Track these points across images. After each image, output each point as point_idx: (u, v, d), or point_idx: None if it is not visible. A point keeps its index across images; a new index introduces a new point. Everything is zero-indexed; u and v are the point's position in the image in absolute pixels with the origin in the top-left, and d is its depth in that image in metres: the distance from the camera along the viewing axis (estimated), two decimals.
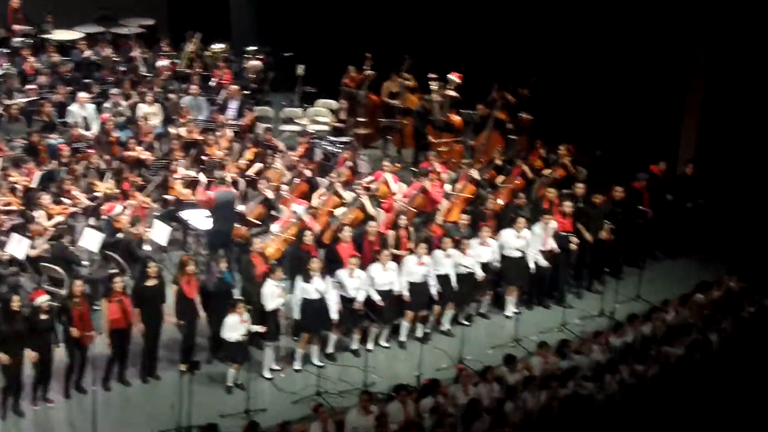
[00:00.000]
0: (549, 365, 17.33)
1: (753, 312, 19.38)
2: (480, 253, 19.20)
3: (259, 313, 17.29)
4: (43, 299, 16.16)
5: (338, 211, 20.40)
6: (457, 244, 18.96)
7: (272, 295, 17.33)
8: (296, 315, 17.65)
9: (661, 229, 22.07)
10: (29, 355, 16.03)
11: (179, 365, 17.01)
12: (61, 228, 19.06)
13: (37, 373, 16.38)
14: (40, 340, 16.07)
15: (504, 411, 16.11)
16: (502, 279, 19.82)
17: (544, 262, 19.76)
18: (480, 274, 19.05)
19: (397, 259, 18.68)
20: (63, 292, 17.23)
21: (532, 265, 19.69)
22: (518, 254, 19.55)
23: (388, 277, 18.24)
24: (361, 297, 18.03)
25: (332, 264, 18.49)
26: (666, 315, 18.96)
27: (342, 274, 17.96)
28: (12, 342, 15.91)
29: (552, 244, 19.88)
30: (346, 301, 17.92)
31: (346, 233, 18.78)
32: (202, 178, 20.99)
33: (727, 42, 23.59)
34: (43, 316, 16.10)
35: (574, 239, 20.09)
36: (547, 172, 22.36)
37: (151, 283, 17.09)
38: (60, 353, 16.59)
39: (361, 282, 18.04)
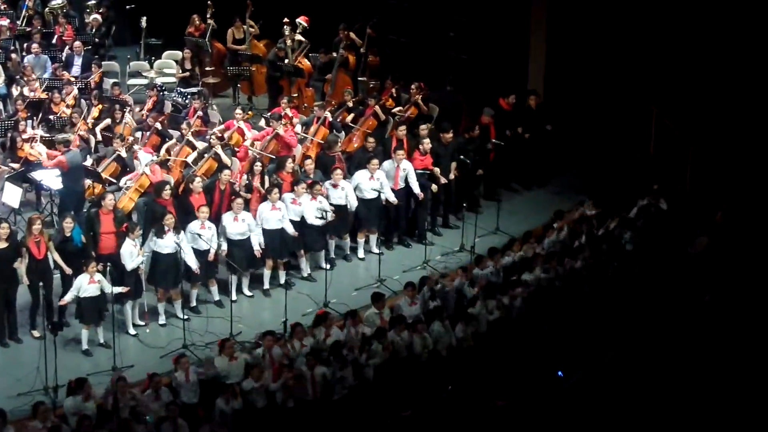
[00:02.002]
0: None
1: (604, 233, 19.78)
2: (333, 196, 19.20)
3: (118, 271, 17.11)
4: None
5: (191, 162, 20.22)
6: (311, 188, 18.91)
7: (131, 254, 17.13)
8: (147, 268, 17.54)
9: (515, 161, 22.30)
10: None
11: (32, 330, 16.91)
12: None
13: None
14: None
15: (372, 351, 16.28)
16: (358, 221, 19.85)
17: (392, 198, 19.72)
18: (331, 218, 19.02)
19: (249, 206, 18.61)
20: None
21: (393, 200, 19.72)
22: (373, 195, 19.57)
23: (240, 227, 18.15)
24: (214, 247, 17.91)
25: (186, 216, 18.32)
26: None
27: (193, 226, 17.82)
28: None
29: (402, 183, 19.93)
30: (200, 254, 17.79)
31: (197, 183, 18.60)
32: (42, 149, 20.50)
33: None
34: None
35: (434, 178, 20.20)
36: (398, 110, 22.41)
37: (1, 245, 16.73)
38: None
39: (213, 232, 17.94)
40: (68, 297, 16.72)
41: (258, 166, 19.38)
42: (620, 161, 22.85)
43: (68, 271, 17.08)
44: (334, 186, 19.26)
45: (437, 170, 20.24)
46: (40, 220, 17.26)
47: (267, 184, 19.27)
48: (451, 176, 20.56)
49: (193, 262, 17.56)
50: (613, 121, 23.33)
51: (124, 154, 20.19)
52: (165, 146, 20.70)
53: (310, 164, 19.73)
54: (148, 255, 17.57)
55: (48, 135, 21.19)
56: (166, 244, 17.39)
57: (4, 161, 20.75)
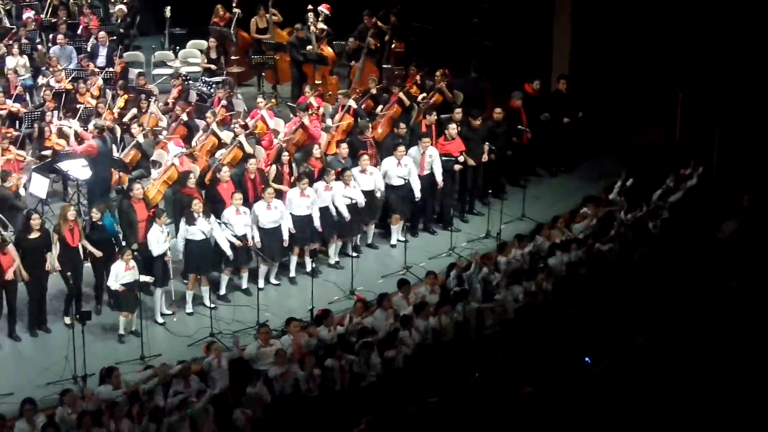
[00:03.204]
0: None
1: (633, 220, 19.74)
2: (361, 182, 19.19)
3: (145, 259, 17.17)
4: None
5: (218, 152, 20.27)
6: (339, 176, 18.93)
7: (158, 240, 17.21)
8: (181, 257, 17.52)
9: (542, 147, 22.25)
10: None
11: (65, 317, 16.98)
12: None
13: None
14: None
15: (399, 338, 16.31)
16: (386, 208, 19.85)
17: (417, 186, 19.69)
18: (361, 204, 19.04)
19: (280, 195, 18.63)
20: None
21: (417, 195, 19.73)
22: (401, 182, 19.57)
23: (273, 215, 18.17)
24: (248, 235, 17.95)
25: (214, 205, 18.37)
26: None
27: (228, 213, 17.85)
28: None
29: (428, 169, 19.92)
30: (235, 240, 17.84)
31: (225, 173, 18.64)
32: (76, 126, 20.64)
33: None
34: None
35: (458, 164, 20.18)
36: (422, 97, 22.40)
37: (34, 235, 16.85)
38: None
39: (247, 220, 17.96)
40: (115, 285, 16.76)
41: (285, 156, 19.40)
42: (646, 146, 22.75)
43: (98, 254, 17.15)
44: (362, 172, 19.26)
45: (462, 158, 20.21)
46: (74, 208, 17.38)
47: (295, 173, 19.31)
48: (484, 158, 20.52)
49: (227, 247, 17.62)
50: (639, 106, 23.23)
51: (142, 140, 20.25)
52: (197, 140, 20.75)
53: (344, 148, 19.75)
54: (181, 243, 17.62)
55: (70, 126, 21.28)
56: (197, 230, 17.43)
57: (32, 152, 20.85)
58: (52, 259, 16.94)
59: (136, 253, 17.19)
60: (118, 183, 19.93)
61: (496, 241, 19.57)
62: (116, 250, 17.13)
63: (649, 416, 14.68)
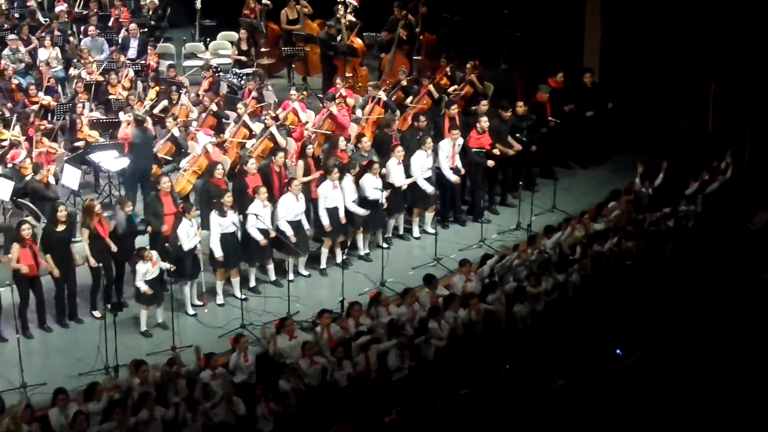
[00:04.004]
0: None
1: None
2: (395, 174, 19.16)
3: (175, 253, 17.23)
4: None
5: (248, 143, 20.30)
6: (368, 166, 18.92)
7: (188, 235, 17.23)
8: (216, 250, 17.54)
9: (572, 139, 22.18)
10: None
11: (94, 310, 17.08)
12: None
13: None
14: None
15: (429, 330, 16.30)
16: (415, 200, 19.84)
17: (453, 177, 19.74)
18: (400, 184, 19.05)
19: (305, 187, 18.64)
20: None
21: (452, 178, 19.67)
22: (428, 174, 19.53)
23: (301, 207, 18.17)
24: (271, 230, 17.97)
25: (241, 197, 18.40)
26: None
27: (256, 206, 17.88)
28: None
29: (459, 161, 19.91)
30: (262, 233, 17.83)
31: (251, 165, 18.63)
32: (123, 116, 20.73)
33: None
34: None
35: (492, 154, 20.14)
36: (452, 89, 22.35)
37: (60, 227, 16.91)
38: None
39: (273, 213, 17.98)
40: (143, 286, 16.81)
41: (310, 148, 19.38)
42: (678, 139, 22.65)
43: (114, 248, 17.17)
44: (399, 164, 19.22)
45: (497, 151, 20.16)
46: (97, 201, 17.47)
47: (322, 164, 19.32)
48: (516, 148, 20.48)
49: (260, 237, 17.66)
50: (671, 98, 23.11)
51: (177, 133, 20.29)
52: (227, 130, 20.77)
53: (366, 142, 19.71)
54: (212, 235, 17.65)
55: (105, 117, 21.43)
56: (227, 223, 17.46)
57: (64, 144, 20.94)
58: (85, 252, 16.99)
59: (168, 245, 17.23)
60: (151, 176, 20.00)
61: (526, 233, 19.50)
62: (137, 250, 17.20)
63: (679, 409, 14.64)
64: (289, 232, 17.99)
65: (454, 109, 20.62)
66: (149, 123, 20.23)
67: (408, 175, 19.36)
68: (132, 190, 19.71)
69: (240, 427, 14.85)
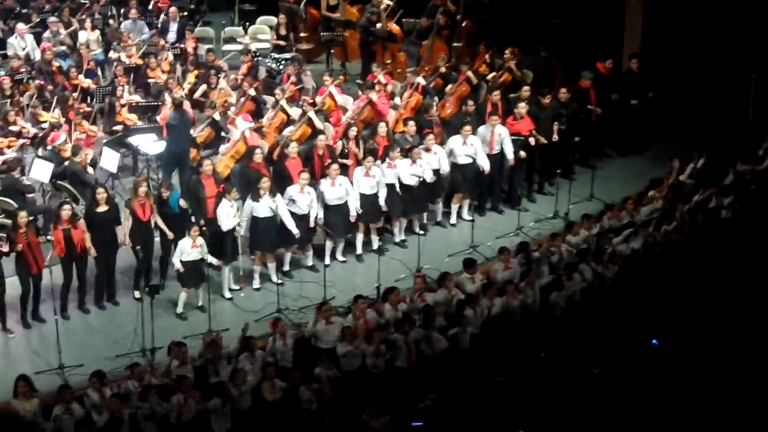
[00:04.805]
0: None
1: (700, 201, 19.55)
2: (428, 161, 19.15)
3: (213, 234, 17.26)
4: None
5: (287, 129, 20.33)
6: (406, 154, 18.91)
7: (227, 215, 17.30)
8: (243, 231, 17.60)
9: (611, 127, 22.08)
10: None
11: (134, 291, 17.11)
12: (10, 161, 18.92)
13: None
14: None
15: (464, 316, 16.30)
16: (452, 186, 19.81)
17: (486, 166, 19.64)
18: (429, 179, 18.99)
19: (345, 171, 18.64)
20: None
21: (486, 167, 19.65)
22: (467, 161, 19.50)
23: (338, 191, 18.19)
24: (313, 213, 17.98)
25: (281, 181, 18.43)
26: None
27: (292, 190, 17.90)
28: None
29: (498, 148, 19.84)
30: (298, 218, 17.87)
31: (292, 149, 18.67)
32: (167, 99, 20.80)
33: None
34: None
35: (531, 140, 20.09)
36: (491, 76, 22.29)
37: (102, 209, 16.99)
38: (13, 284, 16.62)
39: (310, 199, 18.00)
40: (177, 263, 16.90)
41: (353, 131, 19.40)
42: (718, 127, 22.50)
43: (171, 235, 17.33)
44: (427, 150, 19.21)
45: (533, 139, 20.10)
46: (146, 183, 17.52)
47: (361, 150, 19.33)
48: (555, 138, 20.43)
49: (292, 226, 17.68)
50: (711, 86, 22.96)
51: (218, 118, 20.34)
52: (266, 116, 20.79)
53: (411, 127, 19.69)
54: (246, 220, 17.68)
55: (144, 101, 21.50)
56: (262, 207, 17.48)
57: (103, 127, 21.04)
58: (123, 233, 17.09)
59: (204, 228, 17.28)
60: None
61: (563, 222, 19.46)
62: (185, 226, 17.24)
63: (714, 399, 14.56)
64: (320, 216, 18.06)
65: (497, 95, 20.58)
66: (187, 105, 20.28)
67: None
68: (169, 172, 19.79)
69: (271, 410, 14.95)
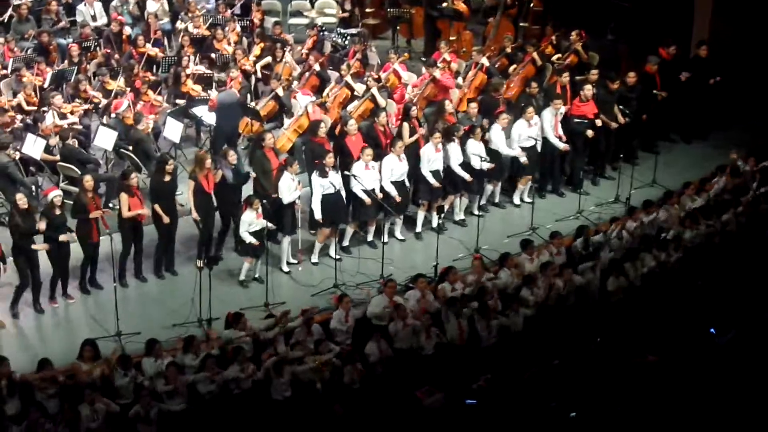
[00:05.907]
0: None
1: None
2: (497, 140, 19.07)
3: (274, 207, 17.31)
4: (54, 194, 16.22)
5: (350, 104, 20.32)
6: (469, 133, 18.84)
7: (288, 188, 17.31)
8: (316, 212, 17.57)
9: (677, 112, 21.87)
10: (41, 247, 16.12)
11: (196, 261, 17.14)
12: (72, 128, 19.07)
13: (55, 269, 16.46)
14: (55, 235, 16.07)
15: (521, 297, 16.26)
16: (514, 168, 19.74)
17: (561, 145, 19.62)
18: (507, 152, 19.01)
19: (408, 148, 18.60)
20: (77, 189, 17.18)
21: (560, 146, 19.57)
22: (530, 143, 19.40)
23: (402, 168, 18.16)
24: (377, 189, 17.98)
25: (342, 157, 18.45)
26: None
27: (357, 166, 17.89)
28: (26, 239, 16.01)
29: (562, 131, 19.76)
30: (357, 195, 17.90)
31: (352, 125, 18.61)
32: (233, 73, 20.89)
33: None
34: (57, 212, 16.13)
35: (591, 129, 19.95)
36: (557, 58, 22.16)
37: (167, 179, 17.08)
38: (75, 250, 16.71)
39: (375, 175, 17.98)
40: (247, 236, 16.91)
41: (414, 111, 19.32)
42: None
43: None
44: (503, 129, 19.12)
45: (598, 121, 19.96)
46: (209, 155, 17.57)
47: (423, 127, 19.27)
48: (621, 121, 20.28)
49: (364, 197, 17.67)
50: None
51: (281, 92, 20.37)
52: (328, 90, 20.78)
53: (473, 107, 19.60)
54: (308, 193, 17.69)
55: (209, 72, 21.55)
56: (329, 183, 17.49)
57: (167, 96, 21.14)
58: (189, 204, 17.16)
59: (264, 201, 17.33)
60: (250, 132, 20.03)
61: (625, 207, 19.33)
62: (246, 198, 17.29)
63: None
64: (393, 192, 18.00)
65: (566, 77, 20.46)
66: (252, 79, 20.34)
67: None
68: (216, 150, 19.73)
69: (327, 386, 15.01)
